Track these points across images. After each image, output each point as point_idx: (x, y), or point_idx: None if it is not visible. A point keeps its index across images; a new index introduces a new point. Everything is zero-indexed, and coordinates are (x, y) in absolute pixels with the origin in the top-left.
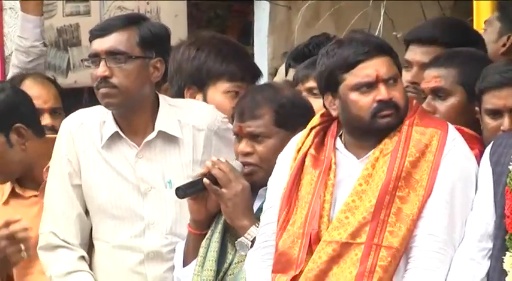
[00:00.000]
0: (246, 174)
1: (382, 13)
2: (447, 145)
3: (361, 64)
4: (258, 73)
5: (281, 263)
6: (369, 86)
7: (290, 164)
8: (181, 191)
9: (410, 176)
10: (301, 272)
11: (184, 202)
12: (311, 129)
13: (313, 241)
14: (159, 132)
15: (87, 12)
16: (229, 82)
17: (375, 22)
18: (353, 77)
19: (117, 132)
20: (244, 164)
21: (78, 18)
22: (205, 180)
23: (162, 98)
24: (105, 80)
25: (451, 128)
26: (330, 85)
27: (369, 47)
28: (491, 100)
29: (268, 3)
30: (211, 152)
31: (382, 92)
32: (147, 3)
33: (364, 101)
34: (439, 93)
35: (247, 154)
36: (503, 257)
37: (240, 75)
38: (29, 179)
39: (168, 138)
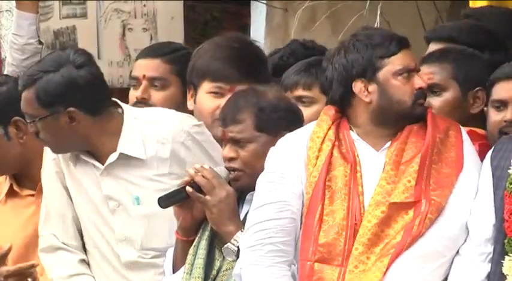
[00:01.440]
0: (232, 179)
1: (378, 15)
2: (463, 133)
3: (402, 51)
4: (259, 74)
5: (323, 253)
6: (409, 72)
7: (306, 153)
8: (163, 201)
9: (441, 152)
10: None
11: (154, 216)
12: (333, 122)
13: (353, 233)
14: (121, 154)
15: (84, 15)
16: (211, 82)
17: (371, 24)
18: (396, 63)
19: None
20: (229, 169)
21: (74, 20)
22: (188, 188)
23: (128, 113)
24: (37, 136)
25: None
26: (364, 71)
27: (403, 38)
28: (499, 91)
29: (265, 5)
30: (180, 163)
31: (420, 81)
32: (144, 5)
33: (407, 87)
34: (433, 89)
35: (231, 159)
36: (503, 261)
37: (224, 75)
38: (26, 178)
39: (131, 158)
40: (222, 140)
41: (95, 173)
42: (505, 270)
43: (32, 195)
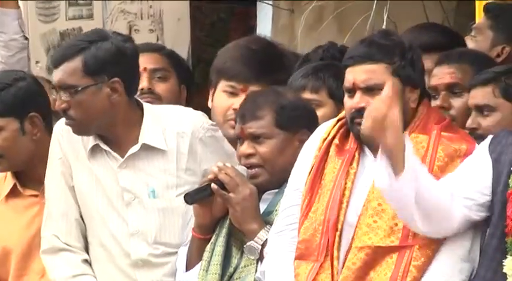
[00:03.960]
0: (251, 176)
1: (385, 16)
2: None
3: (348, 69)
4: (273, 76)
5: (301, 250)
6: (349, 92)
7: (314, 153)
8: (190, 198)
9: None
10: (325, 259)
11: (168, 211)
12: (338, 120)
13: (332, 228)
14: (143, 144)
15: (90, 16)
16: (226, 81)
17: (377, 25)
18: (345, 80)
19: (98, 144)
20: (248, 165)
21: (81, 21)
22: (213, 185)
23: (147, 107)
24: (64, 112)
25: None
26: None
27: (358, 52)
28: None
29: (271, 6)
30: (196, 159)
31: (354, 100)
32: (150, 6)
33: (347, 106)
34: (454, 89)
35: (249, 155)
36: (504, 260)
37: (236, 74)
38: (30, 177)
39: (152, 149)
40: (238, 137)
41: (112, 166)
42: (506, 269)
43: (35, 195)
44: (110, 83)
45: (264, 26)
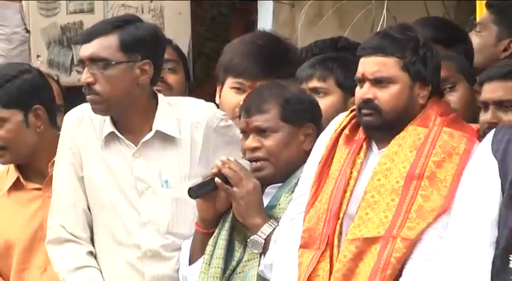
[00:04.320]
0: (255, 169)
1: (384, 11)
2: (474, 151)
3: (360, 59)
4: (280, 71)
5: (305, 239)
6: (359, 82)
7: (327, 143)
8: (194, 192)
9: (435, 175)
10: (326, 248)
11: (181, 201)
12: (351, 111)
13: (333, 216)
14: (157, 132)
15: (91, 10)
16: (233, 78)
17: (377, 20)
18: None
19: (113, 132)
20: (253, 159)
21: (81, 16)
22: (217, 179)
23: (161, 97)
24: (89, 87)
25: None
26: None
27: (372, 44)
28: (483, 92)
29: (272, 1)
30: (209, 149)
31: (362, 91)
32: (151, 1)
33: (356, 96)
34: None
35: (254, 149)
36: (510, 255)
37: (243, 71)
38: (33, 170)
39: (166, 138)
40: (243, 131)
41: (126, 155)
42: None
43: (38, 189)
44: (141, 64)
45: (265, 21)
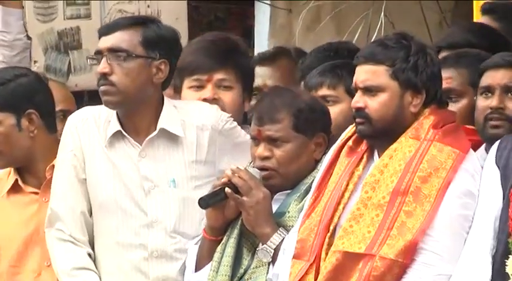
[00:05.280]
0: (263, 178)
1: (382, 16)
2: (462, 167)
3: (356, 68)
4: (237, 62)
5: (297, 249)
6: (355, 91)
7: (330, 154)
8: (204, 202)
9: (419, 191)
10: (315, 260)
11: (188, 200)
12: None
13: (323, 229)
14: (161, 130)
15: (88, 15)
16: (189, 77)
17: (375, 25)
18: None
19: (120, 131)
20: (262, 168)
21: (78, 21)
22: (227, 189)
23: (167, 99)
24: (104, 77)
25: (471, 154)
26: None
27: (365, 52)
28: (487, 79)
29: (269, 6)
30: (216, 151)
31: (354, 99)
32: (148, 6)
33: (351, 105)
34: (450, 94)
35: (265, 158)
36: (506, 261)
37: (198, 66)
38: (30, 174)
39: (171, 137)
40: (254, 139)
41: (131, 155)
42: (508, 270)
43: (36, 193)
44: (158, 63)
45: (262, 26)
